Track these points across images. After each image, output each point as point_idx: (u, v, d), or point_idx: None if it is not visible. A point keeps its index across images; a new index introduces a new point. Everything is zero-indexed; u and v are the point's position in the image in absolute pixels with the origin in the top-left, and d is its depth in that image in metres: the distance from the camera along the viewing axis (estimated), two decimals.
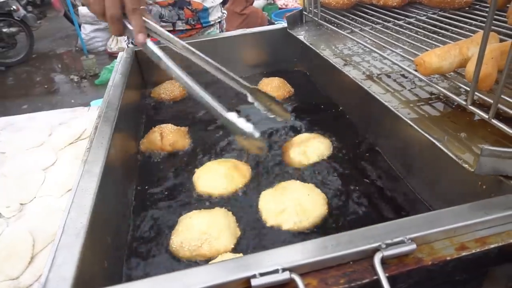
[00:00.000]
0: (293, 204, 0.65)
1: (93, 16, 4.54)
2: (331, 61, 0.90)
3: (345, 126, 0.91)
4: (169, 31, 1.33)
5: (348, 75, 0.82)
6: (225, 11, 1.51)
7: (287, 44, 1.21)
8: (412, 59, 0.75)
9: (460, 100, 0.61)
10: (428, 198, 0.65)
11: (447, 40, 0.81)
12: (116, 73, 1.01)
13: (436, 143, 0.57)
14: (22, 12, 4.93)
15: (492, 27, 0.66)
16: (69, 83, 4.48)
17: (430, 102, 0.70)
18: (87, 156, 0.65)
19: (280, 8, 5.54)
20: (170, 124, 0.93)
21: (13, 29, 4.94)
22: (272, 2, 5.50)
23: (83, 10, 5.16)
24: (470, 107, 0.59)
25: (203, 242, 0.60)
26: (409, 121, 0.64)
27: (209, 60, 0.76)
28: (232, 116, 0.68)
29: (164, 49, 0.74)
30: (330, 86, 1.02)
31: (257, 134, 0.66)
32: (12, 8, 4.78)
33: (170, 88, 1.13)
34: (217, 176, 0.74)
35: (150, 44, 0.73)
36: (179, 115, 1.05)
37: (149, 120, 1.05)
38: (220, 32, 1.45)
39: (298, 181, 0.71)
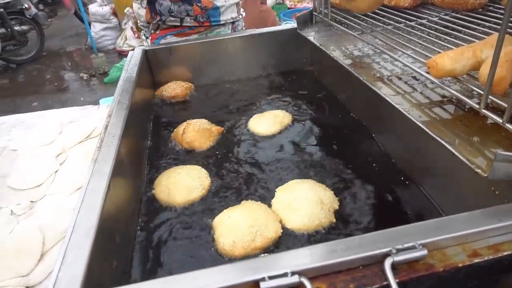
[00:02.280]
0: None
1: (103, 14, 4.58)
2: (341, 63, 0.89)
3: (354, 127, 0.91)
4: (176, 26, 1.34)
5: (358, 77, 0.81)
6: (243, 13, 1.50)
7: (297, 44, 1.21)
8: (424, 61, 0.74)
9: (473, 103, 0.60)
10: (439, 202, 0.64)
11: (460, 42, 0.80)
12: (126, 73, 1.02)
13: (448, 147, 0.57)
14: (33, 10, 4.99)
15: (508, 29, 0.65)
16: (79, 81, 4.52)
17: (441, 104, 0.69)
18: (97, 155, 0.65)
19: (289, 8, 5.52)
20: (205, 120, 0.94)
21: (24, 27, 5.00)
22: (281, 1, 5.49)
23: (93, 8, 5.21)
24: (483, 111, 0.58)
25: (255, 236, 0.61)
26: (420, 124, 0.63)
27: None
28: None
29: None
30: (339, 87, 1.01)
31: None
32: (24, 7, 4.84)
33: (173, 86, 1.14)
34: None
35: None
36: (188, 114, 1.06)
37: (156, 118, 1.05)
38: (233, 32, 1.45)
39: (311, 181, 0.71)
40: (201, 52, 1.20)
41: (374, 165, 0.76)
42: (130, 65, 1.07)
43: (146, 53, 1.17)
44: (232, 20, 1.42)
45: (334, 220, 0.65)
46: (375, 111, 0.79)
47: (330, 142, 0.88)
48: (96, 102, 3.54)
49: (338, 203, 0.68)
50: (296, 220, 0.64)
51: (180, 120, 1.02)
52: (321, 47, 1.00)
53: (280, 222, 0.64)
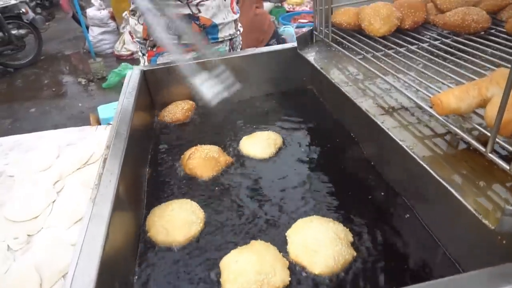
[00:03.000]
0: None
1: (101, 18, 4.57)
2: (342, 90, 0.88)
3: (355, 153, 0.90)
4: (174, 44, 1.33)
5: (360, 107, 0.80)
6: (240, 28, 1.49)
7: (297, 64, 1.19)
8: (427, 94, 0.73)
9: (479, 146, 0.59)
10: (444, 240, 0.63)
11: (461, 71, 0.79)
12: (124, 97, 1.00)
13: (454, 192, 0.55)
14: (31, 14, 4.97)
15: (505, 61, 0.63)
16: (77, 86, 4.50)
17: (446, 139, 0.68)
18: (95, 195, 0.64)
19: (287, 11, 5.51)
20: (216, 147, 0.93)
21: (22, 31, 4.98)
22: (280, 5, 5.48)
23: (91, 12, 5.19)
24: (490, 155, 0.57)
25: (262, 284, 0.58)
26: (424, 165, 0.62)
27: None
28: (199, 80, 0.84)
29: None
30: (340, 112, 1.00)
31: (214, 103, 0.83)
32: (21, 11, 4.81)
33: (173, 110, 1.13)
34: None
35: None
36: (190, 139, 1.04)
37: (157, 144, 1.04)
38: (230, 49, 1.44)
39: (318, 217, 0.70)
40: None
41: (374, 195, 0.75)
42: (129, 88, 1.06)
43: (144, 74, 1.16)
44: (230, 37, 1.41)
45: (355, 253, 0.64)
46: (378, 142, 0.78)
47: (330, 169, 0.87)
48: (94, 108, 3.52)
49: (352, 235, 0.67)
50: (321, 262, 0.61)
51: (181, 145, 1.00)
52: (321, 70, 0.99)
53: (304, 268, 0.62)
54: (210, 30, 1.33)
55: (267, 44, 3.35)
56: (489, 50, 0.88)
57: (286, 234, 0.68)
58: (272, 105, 1.20)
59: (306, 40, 1.18)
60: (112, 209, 0.61)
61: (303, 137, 1.01)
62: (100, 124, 2.92)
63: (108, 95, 3.91)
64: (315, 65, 1.03)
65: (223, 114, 1.13)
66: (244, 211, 0.76)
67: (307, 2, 5.42)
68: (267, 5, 5.17)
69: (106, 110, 3.43)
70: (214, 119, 1.13)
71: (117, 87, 3.97)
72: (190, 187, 0.85)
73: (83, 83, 4.49)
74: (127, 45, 5.03)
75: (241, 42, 1.52)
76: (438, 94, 0.65)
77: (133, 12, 1.34)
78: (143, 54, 1.39)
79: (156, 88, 1.19)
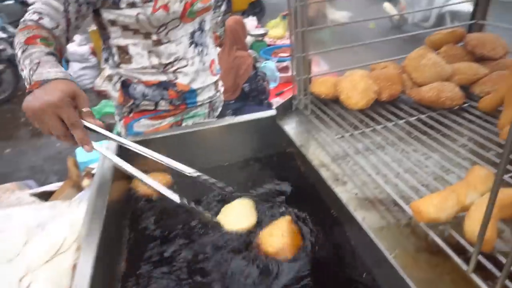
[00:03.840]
0: None
1: (82, 54, 4.53)
2: (321, 175, 0.87)
3: (336, 234, 0.88)
4: (150, 110, 1.31)
5: (340, 199, 0.79)
6: (221, 88, 1.49)
7: (276, 131, 1.18)
8: (407, 190, 0.72)
9: (461, 262, 0.57)
10: None
11: (441, 149, 0.80)
12: (98, 180, 0.97)
13: None
14: (9, 51, 4.90)
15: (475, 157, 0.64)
16: None
17: (428, 248, 0.66)
18: None
19: (268, 45, 5.61)
20: None
21: None
22: (261, 39, 5.58)
23: (71, 48, 5.16)
24: (472, 275, 0.55)
25: None
26: (405, 278, 0.60)
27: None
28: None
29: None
30: (321, 189, 0.98)
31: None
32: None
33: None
34: None
35: (100, 149, 0.84)
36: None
37: (133, 226, 1.00)
38: (210, 112, 1.42)
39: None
40: (178, 143, 1.16)
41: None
42: (104, 169, 1.03)
43: (120, 148, 1.12)
44: (209, 100, 1.40)
45: None
46: (358, 232, 0.76)
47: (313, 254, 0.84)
48: (72, 149, 3.43)
49: None
50: None
51: (156, 224, 0.97)
52: (300, 149, 0.98)
53: None
54: (188, 95, 1.31)
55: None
56: (465, 131, 0.89)
57: None
58: (251, 172, 1.18)
59: (285, 109, 1.18)
60: None
61: (280, 206, 0.99)
62: (78, 167, 2.84)
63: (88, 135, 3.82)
64: (295, 141, 1.02)
65: (199, 186, 1.10)
66: None
67: (288, 36, 5.54)
68: (248, 39, 5.26)
69: (84, 153, 3.34)
70: (190, 193, 1.09)
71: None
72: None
73: None
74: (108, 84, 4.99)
75: (222, 101, 1.52)
76: (417, 202, 0.64)
77: (109, 78, 1.32)
78: (120, 119, 1.36)
79: (133, 160, 1.16)
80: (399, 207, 0.74)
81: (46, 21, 1.01)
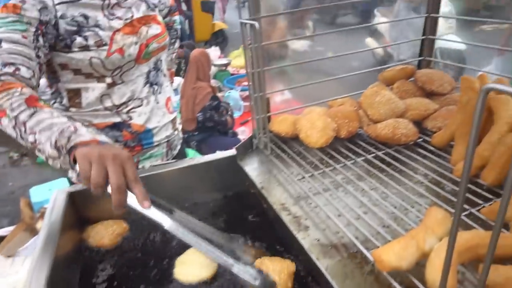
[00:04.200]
0: None
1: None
2: (283, 220, 0.84)
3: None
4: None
5: (302, 245, 0.76)
6: (179, 125, 1.45)
7: (238, 171, 1.16)
8: (369, 235, 0.72)
9: None
10: None
11: (398, 187, 0.80)
12: (46, 233, 0.89)
13: None
14: None
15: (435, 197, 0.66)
16: (8, 160, 4.14)
17: None
18: None
19: (232, 74, 5.68)
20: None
21: None
22: (224, 68, 5.65)
23: None
24: None
25: None
26: None
27: None
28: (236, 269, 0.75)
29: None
30: (282, 236, 0.96)
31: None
32: None
33: (101, 233, 1.02)
34: None
35: (153, 210, 0.75)
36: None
37: (84, 279, 0.92)
38: (168, 152, 1.38)
39: None
40: None
41: None
42: (52, 218, 0.95)
43: (71, 195, 1.05)
44: (167, 139, 1.35)
45: None
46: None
47: None
48: (26, 189, 3.22)
49: None
50: None
51: (108, 281, 0.90)
52: (262, 191, 0.96)
53: None
54: (143, 136, 1.27)
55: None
56: (420, 168, 0.91)
57: None
58: (213, 214, 1.14)
59: (246, 148, 1.16)
60: None
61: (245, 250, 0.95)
62: (32, 209, 2.65)
63: (43, 172, 3.62)
64: (256, 183, 1.00)
65: (156, 236, 1.04)
66: None
67: None
68: (212, 69, 5.30)
69: (39, 192, 3.15)
70: (145, 246, 1.03)
71: None
72: None
73: (15, 157, 4.14)
74: None
75: (181, 139, 1.48)
76: (379, 250, 0.63)
77: None
78: (72, 168, 1.28)
79: (86, 208, 1.09)
80: (362, 253, 0.73)
81: (23, 72, 0.92)
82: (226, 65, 5.61)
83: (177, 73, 4.42)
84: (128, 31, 1.12)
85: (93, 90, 1.14)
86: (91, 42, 1.07)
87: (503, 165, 0.75)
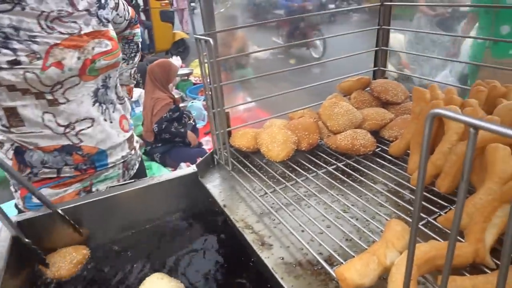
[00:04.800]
0: None
1: None
2: (247, 238, 0.82)
3: None
4: (52, 178, 1.16)
5: (266, 264, 0.75)
6: (136, 144, 1.38)
7: (200, 188, 1.12)
8: (332, 251, 0.71)
9: None
10: None
11: (358, 198, 0.81)
12: None
13: None
14: None
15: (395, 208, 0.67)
16: None
17: None
18: None
19: (194, 84, 5.62)
20: None
21: None
22: (186, 78, 5.58)
23: None
24: None
25: None
26: None
27: None
28: None
29: None
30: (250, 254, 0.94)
31: None
32: None
33: (58, 263, 0.94)
34: None
35: None
36: None
37: None
38: (124, 172, 1.31)
39: None
40: (94, 212, 1.04)
41: None
42: None
43: (19, 225, 0.97)
44: (123, 160, 1.29)
45: None
46: None
47: None
48: None
49: None
50: None
51: None
52: (224, 209, 0.94)
53: None
54: (97, 157, 1.19)
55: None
56: (379, 178, 0.93)
57: None
58: (174, 234, 1.10)
59: (207, 164, 1.13)
60: None
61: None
62: None
63: None
64: (218, 201, 0.97)
65: (120, 262, 0.99)
66: None
67: None
68: (176, 78, 5.21)
69: None
70: (108, 272, 0.97)
71: (4, 183, 3.46)
72: None
73: None
74: None
75: (138, 159, 1.41)
76: (341, 268, 0.62)
77: (1, 145, 1.14)
78: (15, 190, 1.19)
79: (39, 236, 1.01)
80: (326, 270, 0.72)
81: None
82: (188, 74, 5.54)
83: (137, 85, 4.31)
84: (70, 45, 1.05)
85: (32, 108, 1.06)
86: (21, 55, 0.99)
87: (455, 173, 0.77)
